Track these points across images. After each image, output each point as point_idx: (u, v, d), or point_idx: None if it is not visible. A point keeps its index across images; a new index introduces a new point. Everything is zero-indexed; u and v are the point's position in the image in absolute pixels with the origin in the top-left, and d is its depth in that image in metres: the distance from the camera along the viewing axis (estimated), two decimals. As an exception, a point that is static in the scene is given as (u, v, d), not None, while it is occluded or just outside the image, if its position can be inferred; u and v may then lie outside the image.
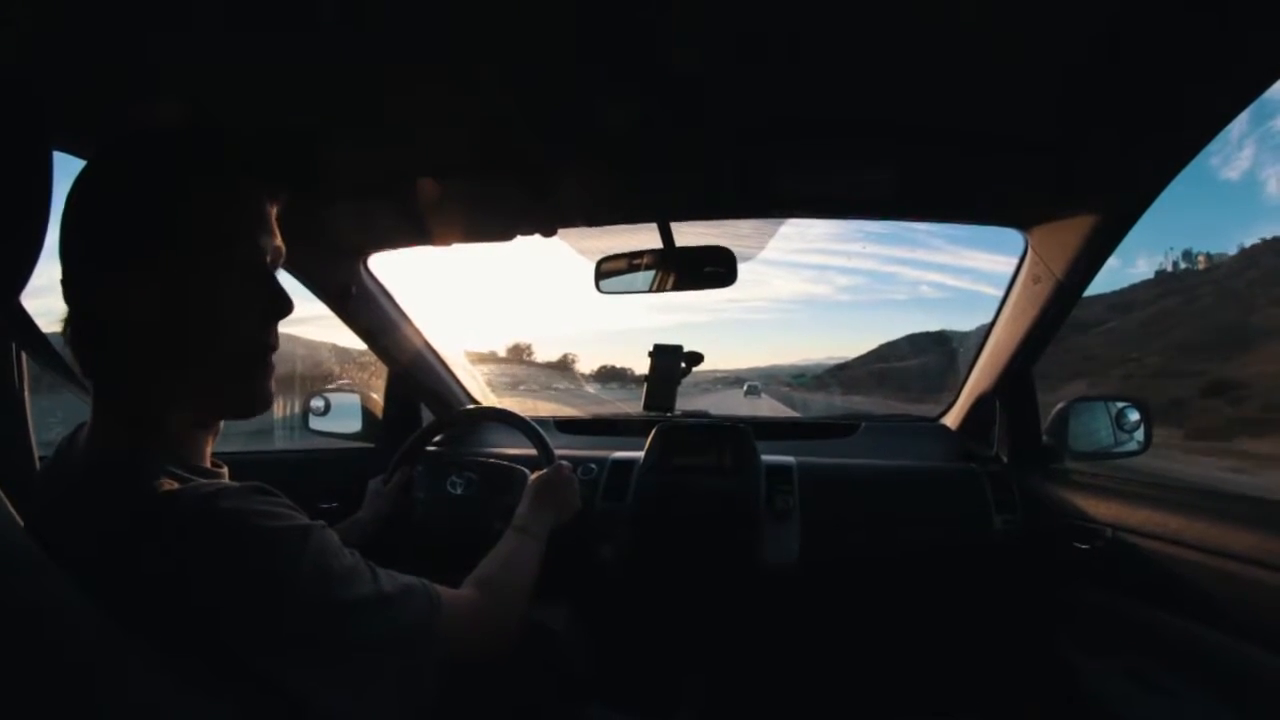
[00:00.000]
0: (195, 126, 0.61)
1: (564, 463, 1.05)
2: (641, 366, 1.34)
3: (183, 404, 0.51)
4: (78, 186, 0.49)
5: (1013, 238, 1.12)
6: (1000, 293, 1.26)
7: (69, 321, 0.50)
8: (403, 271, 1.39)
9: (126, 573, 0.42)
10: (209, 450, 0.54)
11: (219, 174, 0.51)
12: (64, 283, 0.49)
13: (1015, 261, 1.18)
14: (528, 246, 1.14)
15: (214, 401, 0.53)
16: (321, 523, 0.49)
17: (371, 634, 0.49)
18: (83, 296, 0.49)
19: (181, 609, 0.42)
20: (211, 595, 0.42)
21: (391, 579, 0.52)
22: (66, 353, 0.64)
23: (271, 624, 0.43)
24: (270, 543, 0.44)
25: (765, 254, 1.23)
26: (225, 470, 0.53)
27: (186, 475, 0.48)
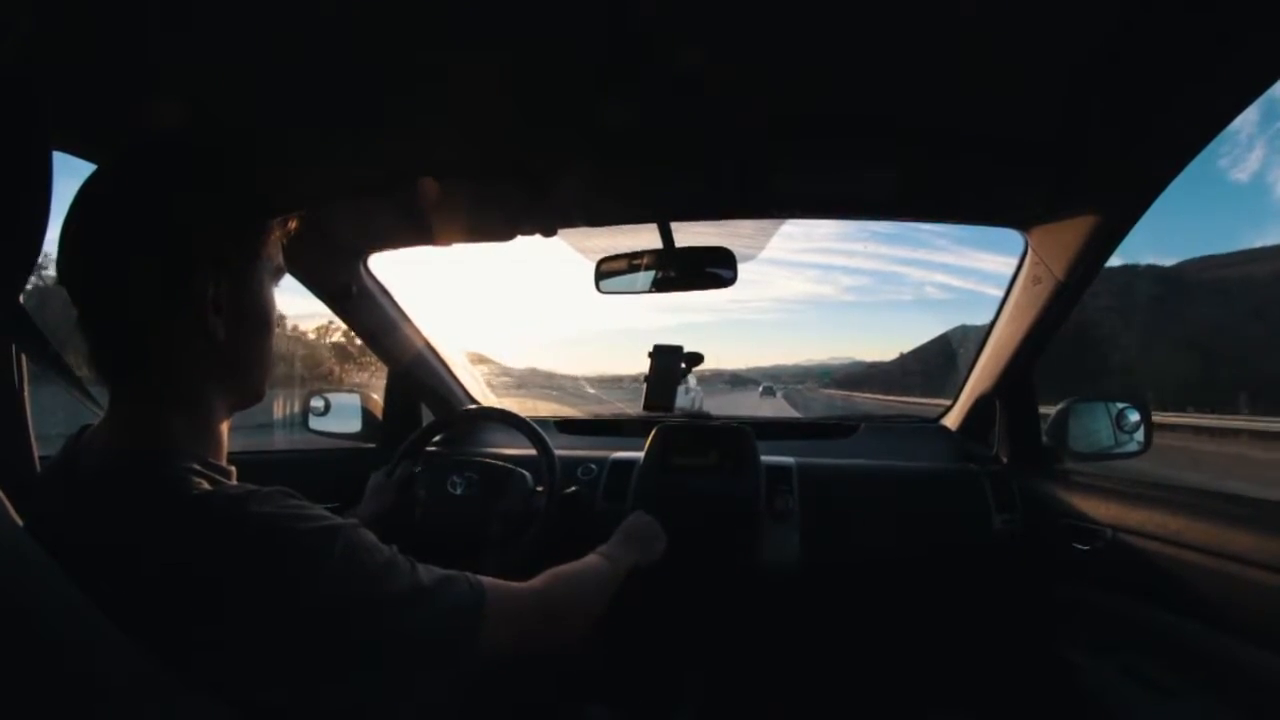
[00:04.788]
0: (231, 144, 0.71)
1: (652, 520, 1.06)
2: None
3: (229, 401, 0.55)
4: (119, 192, 0.50)
5: (1016, 239, 1.12)
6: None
7: (91, 323, 0.49)
8: (399, 271, 1.39)
9: (152, 573, 0.42)
10: (225, 448, 0.55)
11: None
12: (88, 287, 0.48)
13: (1017, 262, 1.18)
14: (527, 247, 1.15)
15: (246, 399, 0.57)
16: (354, 521, 0.50)
17: (411, 627, 0.48)
18: (121, 301, 0.48)
19: (211, 610, 0.42)
20: (245, 598, 0.42)
21: (429, 572, 0.52)
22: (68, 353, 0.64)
23: (308, 624, 0.43)
24: (303, 545, 0.45)
25: (770, 254, 1.24)
26: (234, 470, 0.54)
27: (211, 475, 0.48)
